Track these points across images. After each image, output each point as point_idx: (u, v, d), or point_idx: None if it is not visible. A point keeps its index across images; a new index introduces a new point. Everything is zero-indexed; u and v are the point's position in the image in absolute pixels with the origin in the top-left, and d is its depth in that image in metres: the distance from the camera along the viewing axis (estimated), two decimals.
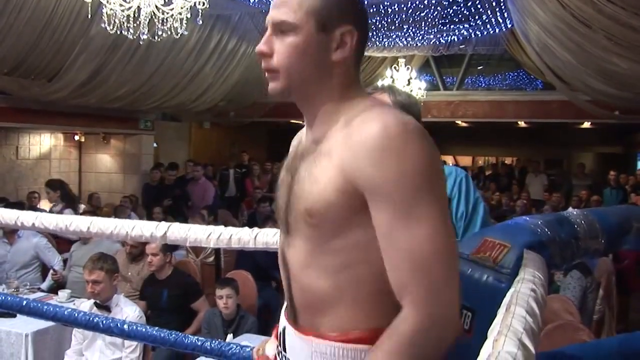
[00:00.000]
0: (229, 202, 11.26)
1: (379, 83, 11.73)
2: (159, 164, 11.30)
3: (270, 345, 1.54)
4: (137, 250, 5.41)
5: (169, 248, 4.91)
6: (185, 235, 2.28)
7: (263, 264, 5.66)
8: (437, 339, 1.13)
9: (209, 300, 5.10)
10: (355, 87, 1.32)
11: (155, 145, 12.15)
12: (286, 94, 1.32)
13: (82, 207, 9.25)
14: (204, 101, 11.22)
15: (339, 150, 1.21)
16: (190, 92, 10.54)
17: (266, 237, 2.19)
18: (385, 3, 8.90)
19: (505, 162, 17.61)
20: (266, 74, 1.31)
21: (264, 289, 5.69)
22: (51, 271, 5.88)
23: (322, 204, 1.21)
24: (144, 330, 2.41)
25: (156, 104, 10.38)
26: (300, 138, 1.42)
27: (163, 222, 2.37)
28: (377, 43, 11.08)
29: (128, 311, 3.96)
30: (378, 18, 9.64)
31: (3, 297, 2.85)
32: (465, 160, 18.98)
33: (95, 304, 4.02)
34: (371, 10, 9.23)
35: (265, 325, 4.83)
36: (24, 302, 2.68)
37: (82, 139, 11.83)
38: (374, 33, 10.49)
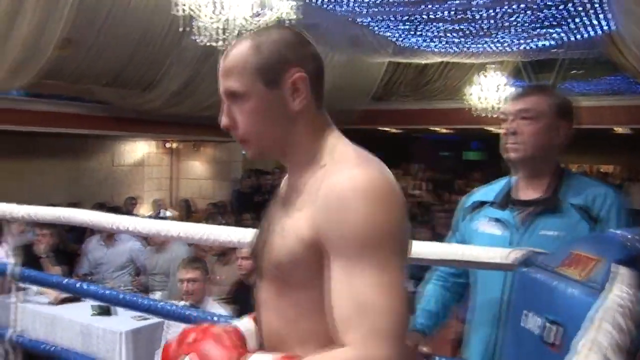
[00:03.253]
0: None
1: (467, 89, 11.60)
2: (251, 170, 11.51)
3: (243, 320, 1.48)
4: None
5: None
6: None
7: None
8: None
9: None
10: (324, 130, 1.32)
11: (244, 152, 12.37)
12: (263, 156, 1.34)
13: (170, 212, 9.55)
14: None
15: (308, 204, 1.22)
16: None
17: None
18: (474, 9, 8.76)
19: (601, 170, 17.00)
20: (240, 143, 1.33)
21: None
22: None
23: (290, 259, 1.22)
24: None
25: None
26: (284, 183, 1.43)
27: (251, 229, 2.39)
28: (466, 50, 10.94)
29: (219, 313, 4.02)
30: (466, 24, 9.52)
31: (102, 291, 3.00)
32: None
33: (190, 305, 4.12)
34: (459, 17, 9.12)
35: None
36: (121, 296, 2.82)
37: (175, 146, 12.19)
38: (462, 40, 10.36)
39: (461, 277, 2.27)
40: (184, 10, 5.06)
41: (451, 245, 2.14)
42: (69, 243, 7.22)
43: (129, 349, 4.47)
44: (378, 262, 1.12)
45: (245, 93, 1.26)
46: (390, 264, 1.13)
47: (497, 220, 2.11)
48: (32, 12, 6.19)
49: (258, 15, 5.10)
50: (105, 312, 4.74)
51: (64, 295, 4.87)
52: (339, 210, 1.14)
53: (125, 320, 4.66)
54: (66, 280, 3.33)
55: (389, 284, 1.12)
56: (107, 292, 3.04)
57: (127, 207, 9.14)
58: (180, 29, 5.30)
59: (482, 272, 2.10)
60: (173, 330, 4.10)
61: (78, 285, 3.07)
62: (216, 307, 4.13)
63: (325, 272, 1.17)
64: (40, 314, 4.89)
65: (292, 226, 1.24)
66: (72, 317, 4.80)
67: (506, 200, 2.14)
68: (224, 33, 5.16)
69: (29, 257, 4.82)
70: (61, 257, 5.99)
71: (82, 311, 4.81)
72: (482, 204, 2.21)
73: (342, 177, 1.17)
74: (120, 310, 4.65)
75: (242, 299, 4.98)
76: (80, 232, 7.30)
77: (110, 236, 6.19)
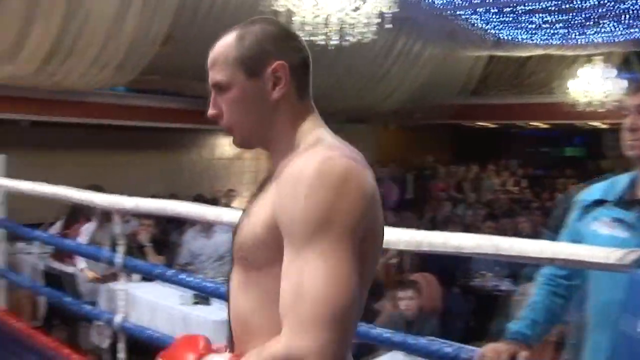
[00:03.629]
0: (408, 204, 11.27)
1: (570, 83, 11.19)
2: None
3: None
4: None
5: None
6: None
7: (448, 268, 5.60)
8: None
9: (391, 301, 5.13)
10: (305, 120, 1.34)
11: None
12: (246, 145, 1.38)
13: None
14: (390, 103, 11.30)
15: (272, 190, 1.24)
16: (377, 95, 10.67)
17: (457, 241, 2.13)
18: None
19: None
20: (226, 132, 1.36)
21: (447, 293, 5.64)
22: None
23: (250, 239, 1.26)
24: None
25: (343, 106, 10.62)
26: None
27: None
28: (570, 41, 10.56)
29: None
30: (572, 15, 9.18)
31: (203, 283, 3.08)
32: None
33: None
34: (565, 7, 8.81)
35: (446, 330, 4.77)
36: (221, 288, 2.88)
37: None
38: (566, 31, 10.01)
39: (572, 279, 2.12)
40: (283, 6, 5.12)
41: (559, 244, 2.02)
42: (169, 233, 7.45)
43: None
44: (322, 249, 1.11)
45: (228, 83, 1.31)
46: (337, 252, 1.12)
47: (620, 221, 1.97)
48: (139, 11, 6.41)
49: (357, 9, 5.10)
50: (205, 300, 4.85)
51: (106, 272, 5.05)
52: (290, 193, 1.16)
53: (223, 309, 4.74)
54: (169, 271, 3.43)
55: (331, 272, 1.10)
56: (208, 284, 3.10)
57: (225, 199, 9.33)
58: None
59: (596, 274, 1.97)
60: None
61: (180, 276, 3.16)
62: None
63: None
64: (142, 301, 5.06)
65: (257, 210, 1.27)
66: (173, 304, 4.94)
67: (631, 201, 2.00)
68: (324, 27, 5.19)
69: (132, 246, 4.99)
70: (161, 247, 6.19)
71: (181, 299, 4.94)
72: (600, 202, 2.06)
73: (300, 162, 1.19)
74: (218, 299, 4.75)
75: None
76: (180, 223, 7.50)
77: (209, 227, 6.33)
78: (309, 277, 1.10)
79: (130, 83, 7.82)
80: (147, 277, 4.91)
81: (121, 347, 3.52)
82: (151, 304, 5.02)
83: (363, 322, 2.58)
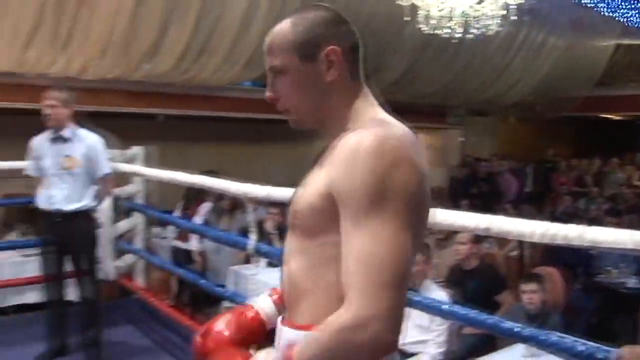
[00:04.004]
0: (528, 197, 10.98)
1: None
2: (468, 157, 11.40)
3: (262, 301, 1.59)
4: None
5: (478, 239, 4.93)
6: (509, 228, 2.27)
7: (571, 263, 5.45)
8: (359, 342, 1.13)
9: (512, 294, 5.05)
10: (359, 97, 1.38)
11: (461, 139, 12.26)
12: (303, 125, 1.42)
13: None
14: (511, 96, 11.05)
15: (327, 162, 1.28)
16: (498, 87, 10.46)
17: (592, 235, 2.07)
18: None
19: None
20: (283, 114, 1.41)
21: (569, 288, 5.48)
22: None
23: (306, 207, 1.30)
24: (462, 311, 2.51)
25: (464, 99, 10.48)
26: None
27: (487, 215, 2.37)
28: None
29: (438, 296, 4.01)
30: None
31: None
32: None
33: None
34: None
35: (568, 326, 4.64)
36: None
37: None
38: None
39: None
40: (409, 1, 5.13)
41: None
42: None
43: None
44: (381, 219, 1.15)
45: (284, 67, 1.35)
46: (394, 221, 1.16)
47: None
48: (266, 9, 6.60)
49: (481, 2, 5.04)
50: None
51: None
52: (348, 166, 1.19)
53: None
54: None
55: (390, 240, 1.15)
56: None
57: None
58: (406, 19, 5.38)
59: None
60: None
61: None
62: (435, 290, 4.16)
63: (338, 225, 1.21)
64: (270, 285, 5.24)
65: (313, 181, 1.31)
66: None
67: None
68: (448, 21, 5.17)
69: (260, 233, 5.18)
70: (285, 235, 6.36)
71: None
72: None
73: (356, 136, 1.21)
74: None
75: (457, 284, 4.99)
76: None
77: None
78: (370, 246, 1.14)
79: (257, 78, 8.05)
80: (273, 263, 5.08)
81: None
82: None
83: (487, 314, 2.58)
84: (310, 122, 1.42)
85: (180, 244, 6.60)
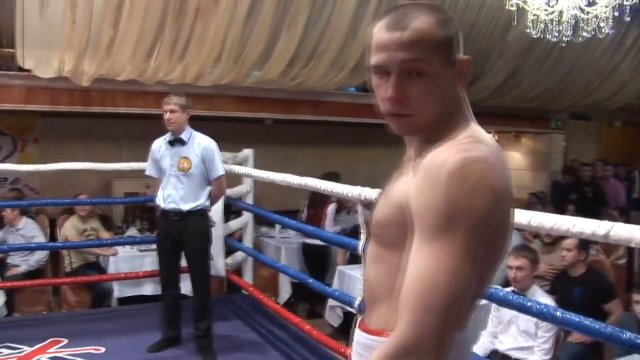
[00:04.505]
0: (636, 203, 10.48)
1: None
2: (573, 161, 11.05)
3: None
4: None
5: (584, 245, 4.76)
6: (630, 235, 2.14)
7: None
8: None
9: (621, 303, 4.83)
10: (462, 107, 1.30)
11: (564, 144, 11.87)
12: (416, 133, 1.30)
13: None
14: (617, 100, 10.58)
15: (411, 174, 1.23)
16: (603, 91, 10.04)
17: None
18: None
19: None
20: (389, 117, 1.27)
21: None
22: None
23: (385, 218, 1.29)
24: (567, 316, 2.43)
25: (568, 103, 10.13)
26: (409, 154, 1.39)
27: (606, 221, 2.26)
28: None
29: (545, 302, 3.92)
30: None
31: None
32: None
33: (513, 291, 4.08)
34: None
35: None
36: None
37: (495, 137, 12.14)
38: None
39: None
40: (517, 5, 5.02)
41: None
42: None
43: None
44: (445, 243, 1.10)
45: (427, 68, 1.20)
46: (459, 248, 1.09)
47: None
48: (373, 16, 6.63)
49: (593, 4, 4.86)
50: None
51: None
52: (427, 184, 1.14)
53: None
54: None
55: (450, 267, 1.09)
56: None
57: None
58: (514, 23, 5.28)
59: None
60: (498, 314, 4.14)
61: None
62: (542, 296, 4.04)
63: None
64: None
65: (394, 191, 1.28)
66: None
67: None
68: (558, 24, 5.02)
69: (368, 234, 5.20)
70: None
71: None
72: None
73: (441, 153, 1.15)
74: None
75: (563, 290, 4.83)
76: None
77: None
78: (429, 270, 1.10)
79: (361, 83, 8.09)
80: None
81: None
82: None
83: (597, 323, 2.48)
84: (423, 130, 1.28)
85: (309, 241, 6.69)
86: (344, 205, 6.95)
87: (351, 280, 5.32)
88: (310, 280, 4.69)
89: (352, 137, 9.90)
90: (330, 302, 5.57)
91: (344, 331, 4.82)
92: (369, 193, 3.33)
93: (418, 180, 1.17)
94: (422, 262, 1.12)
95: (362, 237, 3.35)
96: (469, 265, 1.11)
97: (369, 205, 3.24)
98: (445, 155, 1.14)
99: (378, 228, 1.33)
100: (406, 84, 1.21)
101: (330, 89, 7.86)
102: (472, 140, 1.20)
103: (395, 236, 1.25)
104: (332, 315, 5.69)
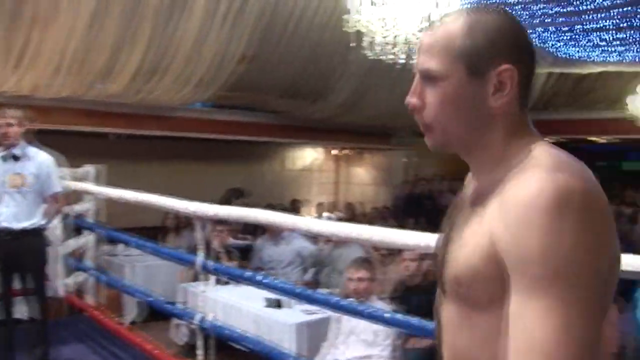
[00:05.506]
0: None
1: (629, 98, 10.95)
2: (414, 176, 11.57)
3: None
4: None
5: (421, 256, 4.96)
6: None
7: None
8: None
9: None
10: (522, 133, 1.10)
11: (405, 160, 12.40)
12: (444, 148, 1.15)
13: (330, 215, 9.80)
14: None
15: (490, 213, 1.02)
16: None
17: None
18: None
19: None
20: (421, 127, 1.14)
21: None
22: None
23: (469, 272, 1.04)
24: (404, 319, 2.51)
25: (409, 121, 10.57)
26: (468, 185, 1.23)
27: (432, 234, 2.37)
28: (629, 58, 10.28)
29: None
30: (631, 32, 8.94)
31: (283, 285, 3.16)
32: None
33: None
34: (623, 25, 8.59)
35: None
36: (298, 290, 2.95)
37: (341, 153, 12.44)
38: (625, 49, 9.75)
39: None
40: (355, 27, 5.19)
41: None
42: (242, 240, 7.60)
43: (298, 341, 4.62)
44: (556, 296, 0.90)
45: (445, 75, 1.07)
46: (574, 300, 0.90)
47: None
48: (218, 32, 6.58)
49: (424, 30, 5.12)
50: (276, 304, 4.92)
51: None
52: (519, 224, 0.93)
53: (294, 313, 4.81)
54: (249, 273, 3.51)
55: (572, 324, 0.89)
56: (286, 285, 3.18)
57: (293, 209, 9.45)
58: (352, 44, 5.43)
59: None
60: (339, 325, 4.21)
61: (259, 278, 3.24)
62: (381, 305, 4.16)
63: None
64: (218, 302, 5.17)
65: (470, 237, 1.06)
66: (246, 307, 5.03)
67: None
68: (393, 47, 5.24)
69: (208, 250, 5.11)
70: (234, 252, 6.32)
71: (255, 302, 5.03)
72: None
73: (528, 183, 0.95)
74: (289, 304, 4.82)
75: (401, 300, 5.00)
76: (252, 230, 7.67)
77: (277, 235, 6.42)
78: (546, 330, 0.90)
79: (210, 99, 8.02)
80: (221, 280, 5.03)
81: (200, 344, 3.62)
82: (226, 305, 5.12)
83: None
84: (455, 147, 1.14)
85: None
86: (185, 223, 6.81)
87: (194, 297, 5.21)
88: (151, 299, 4.54)
89: (200, 153, 9.78)
90: (176, 320, 5.42)
91: (192, 349, 4.71)
92: (206, 209, 3.27)
93: (507, 219, 0.96)
94: (536, 322, 0.90)
95: (200, 252, 3.29)
96: (595, 319, 0.92)
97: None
98: (534, 184, 0.94)
99: (459, 285, 1.07)
100: (425, 90, 1.11)
101: (175, 104, 7.71)
102: (556, 163, 0.99)
103: (487, 294, 1.02)
104: (178, 333, 5.53)
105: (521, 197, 0.95)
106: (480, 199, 1.08)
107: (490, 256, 0.99)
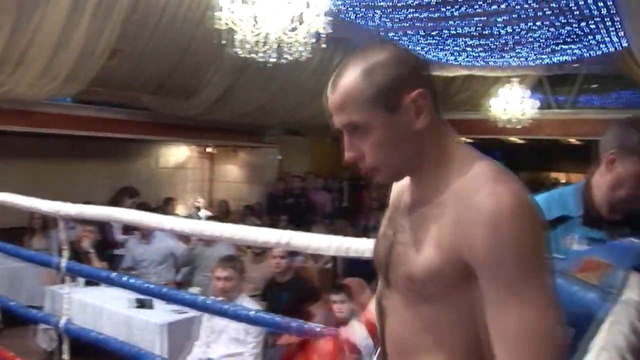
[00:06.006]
0: (345, 212, 11.39)
1: (492, 101, 11.57)
2: (286, 174, 11.63)
3: (357, 330, 1.59)
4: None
5: (291, 253, 5.00)
6: (307, 243, 2.33)
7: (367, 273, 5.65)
8: None
9: (324, 304, 5.14)
10: (446, 135, 1.23)
11: (279, 157, 12.45)
12: (395, 180, 1.31)
13: (206, 213, 9.70)
14: (324, 118, 11.34)
15: (448, 220, 1.12)
16: (312, 109, 10.71)
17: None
18: (497, 26, 8.70)
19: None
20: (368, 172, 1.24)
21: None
22: None
23: (425, 273, 1.14)
24: (268, 318, 2.52)
25: (280, 120, 10.64)
26: (402, 190, 1.32)
27: (287, 231, 2.42)
28: (490, 63, 10.86)
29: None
30: (490, 40, 9.45)
31: (147, 286, 3.06)
32: (577, 177, 18.26)
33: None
34: (483, 33, 9.06)
35: None
36: (163, 290, 2.88)
37: (214, 151, 12.31)
38: (486, 54, 10.29)
39: None
40: (226, 24, 5.13)
41: None
42: (112, 239, 7.36)
43: (166, 340, 4.53)
44: (533, 288, 1.04)
45: (368, 124, 1.16)
46: (545, 286, 1.05)
47: (596, 240, 1.79)
48: (87, 25, 6.31)
49: (295, 29, 5.16)
50: (148, 305, 4.80)
51: None
52: (489, 230, 1.04)
53: (164, 313, 4.72)
54: (112, 274, 3.38)
55: (546, 308, 1.04)
56: (151, 286, 3.09)
57: (165, 207, 9.27)
58: (223, 42, 5.37)
59: None
60: (210, 324, 4.16)
61: (123, 279, 3.12)
62: (250, 303, 4.16)
63: (465, 290, 1.12)
64: (87, 304, 4.98)
65: (427, 241, 1.15)
66: (116, 308, 4.88)
67: (597, 218, 1.83)
68: (263, 45, 5.24)
69: (75, 252, 4.90)
70: (104, 252, 6.11)
71: (126, 303, 4.88)
72: (562, 219, 1.85)
73: (485, 195, 1.07)
74: (159, 304, 4.71)
75: (271, 296, 5.02)
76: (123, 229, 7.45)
77: (146, 234, 6.27)
78: (531, 321, 1.03)
79: (80, 94, 7.65)
80: (91, 281, 4.84)
81: (65, 349, 3.45)
82: (95, 307, 4.95)
83: (300, 323, 2.60)
84: (405, 174, 1.26)
85: None
86: (52, 223, 6.49)
87: (61, 300, 4.98)
88: (12, 304, 4.28)
89: (68, 150, 9.34)
90: (42, 324, 5.15)
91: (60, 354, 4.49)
92: (69, 209, 3.11)
93: (472, 227, 1.07)
94: (522, 316, 1.03)
95: (65, 253, 3.13)
96: (554, 304, 1.06)
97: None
98: (486, 194, 1.07)
99: (412, 283, 1.17)
100: (356, 141, 1.19)
101: (42, 98, 7.30)
102: (496, 172, 1.13)
103: (438, 290, 1.15)
104: (45, 338, 5.27)
105: (482, 207, 1.06)
106: (428, 205, 1.18)
107: (449, 260, 1.11)
